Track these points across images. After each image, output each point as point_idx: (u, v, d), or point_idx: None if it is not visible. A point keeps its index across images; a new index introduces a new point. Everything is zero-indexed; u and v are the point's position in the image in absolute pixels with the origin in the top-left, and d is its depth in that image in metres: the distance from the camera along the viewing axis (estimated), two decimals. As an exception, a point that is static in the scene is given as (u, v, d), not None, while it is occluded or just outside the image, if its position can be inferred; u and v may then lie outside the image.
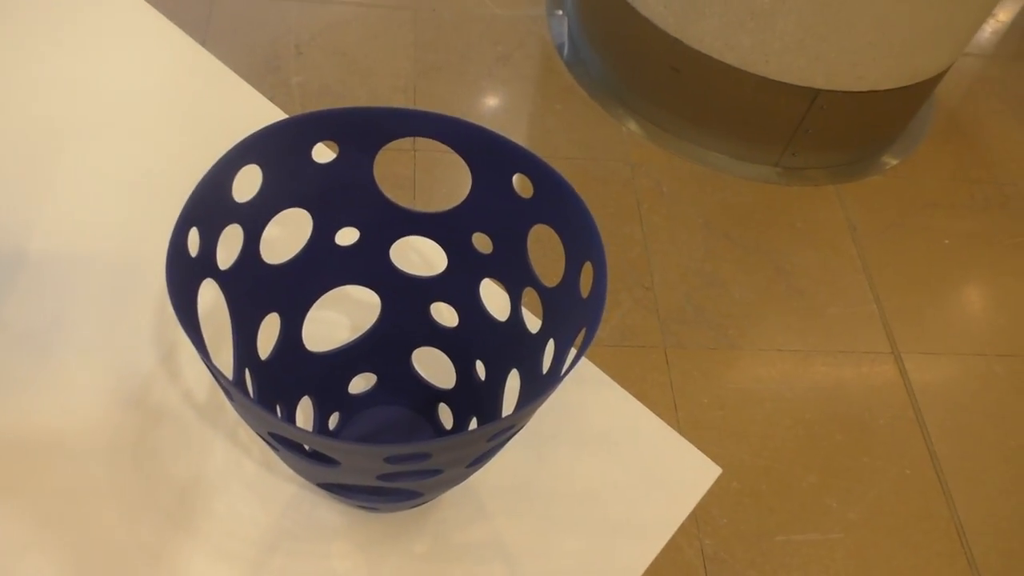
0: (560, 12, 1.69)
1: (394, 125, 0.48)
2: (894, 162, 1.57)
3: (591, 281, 0.43)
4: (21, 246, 0.60)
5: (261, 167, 0.46)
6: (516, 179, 0.49)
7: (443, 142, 0.48)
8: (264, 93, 1.46)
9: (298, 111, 1.43)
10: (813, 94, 1.36)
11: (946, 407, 1.22)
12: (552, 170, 0.45)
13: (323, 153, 0.48)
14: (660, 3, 1.37)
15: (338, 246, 0.54)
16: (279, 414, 0.51)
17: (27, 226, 0.61)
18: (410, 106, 1.48)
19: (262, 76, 1.48)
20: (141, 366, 0.57)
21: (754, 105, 1.40)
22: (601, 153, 1.46)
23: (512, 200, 0.49)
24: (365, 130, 0.47)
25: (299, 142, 0.46)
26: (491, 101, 1.52)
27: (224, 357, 0.58)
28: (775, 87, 1.36)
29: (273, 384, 0.52)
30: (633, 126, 1.52)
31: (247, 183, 0.48)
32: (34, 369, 0.56)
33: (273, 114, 0.68)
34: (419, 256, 0.62)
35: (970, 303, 1.37)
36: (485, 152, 0.48)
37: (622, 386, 0.61)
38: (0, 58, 0.66)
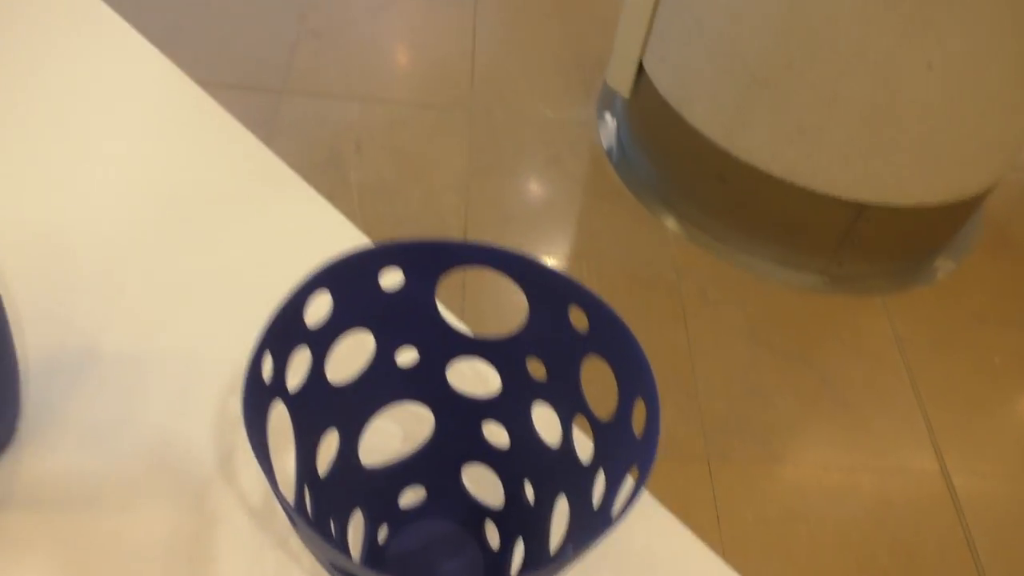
0: (609, 116, 1.74)
1: (458, 256, 0.50)
2: (942, 274, 1.56)
3: (644, 420, 0.44)
4: (92, 345, 0.63)
5: (332, 293, 0.49)
6: (572, 312, 0.50)
7: (504, 273, 0.50)
8: (324, 187, 1.52)
9: (355, 208, 1.49)
10: (859, 207, 1.38)
11: (997, 530, 1.18)
12: (607, 307, 0.47)
13: (389, 277, 0.51)
14: (708, 114, 1.40)
15: (397, 365, 0.56)
16: (333, 529, 0.52)
17: (99, 325, 0.64)
18: (468, 233, 1.52)
19: (323, 171, 1.54)
20: (200, 468, 0.59)
21: (800, 215, 1.42)
22: (647, 256, 1.48)
23: (567, 331, 0.51)
24: (430, 259, 0.50)
25: (368, 269, 0.49)
26: (541, 202, 1.56)
27: (282, 470, 0.59)
28: (821, 199, 1.37)
29: (328, 499, 0.53)
30: (679, 231, 1.54)
31: (317, 306, 0.51)
32: (97, 467, 0.58)
33: (332, 217, 0.71)
34: (475, 376, 0.64)
35: (1021, 422, 1.34)
36: (543, 285, 0.49)
37: (664, 499, 0.61)
38: (72, 162, 0.70)
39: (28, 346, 0.61)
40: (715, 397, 1.27)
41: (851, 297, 1.48)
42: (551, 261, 1.46)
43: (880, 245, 1.46)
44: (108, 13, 0.80)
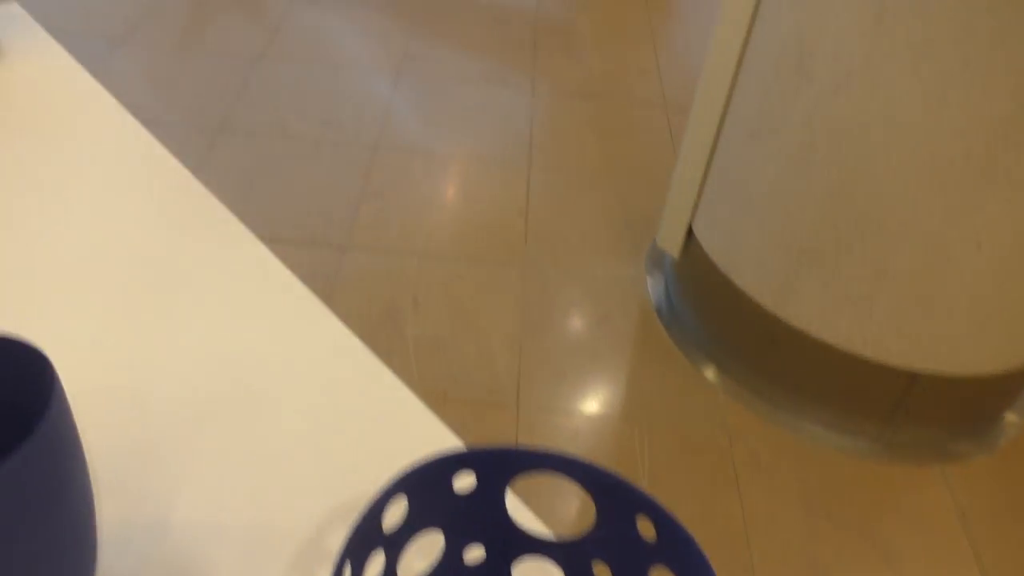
0: (659, 275, 1.78)
1: (531, 462, 0.52)
2: (1001, 443, 1.53)
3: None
4: (163, 516, 0.64)
5: (408, 497, 0.51)
6: (640, 521, 0.52)
7: (574, 480, 0.52)
8: (381, 342, 1.57)
9: (411, 363, 1.53)
10: (913, 375, 1.37)
11: None
12: (675, 522, 0.48)
13: (462, 479, 0.53)
14: (757, 280, 1.44)
15: (464, 563, 0.57)
16: None
17: (170, 494, 0.66)
18: (520, 391, 1.55)
19: (380, 326, 1.59)
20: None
21: (853, 382, 1.42)
22: (698, 419, 1.48)
23: (634, 539, 0.52)
24: (503, 465, 0.52)
25: (443, 475, 0.51)
26: (592, 360, 1.58)
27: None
28: (874, 367, 1.37)
29: None
30: (730, 393, 1.55)
31: (392, 510, 0.52)
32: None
33: (387, 380, 0.74)
34: (540, 575, 0.64)
35: (1100, 609, 1.27)
36: (611, 494, 0.51)
37: None
38: (144, 326, 0.75)
39: (103, 515, 0.63)
40: (772, 572, 1.23)
41: (909, 465, 1.45)
42: (602, 423, 1.47)
43: (936, 413, 1.44)
44: (175, 166, 0.86)
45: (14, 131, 0.85)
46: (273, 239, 1.76)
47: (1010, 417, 1.57)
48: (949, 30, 1.05)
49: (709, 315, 1.60)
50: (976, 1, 1.02)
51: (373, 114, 2.16)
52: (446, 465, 0.51)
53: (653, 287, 1.76)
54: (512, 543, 0.55)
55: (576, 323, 1.65)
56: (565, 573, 0.55)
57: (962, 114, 1.09)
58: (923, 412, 1.44)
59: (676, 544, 0.48)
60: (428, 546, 0.58)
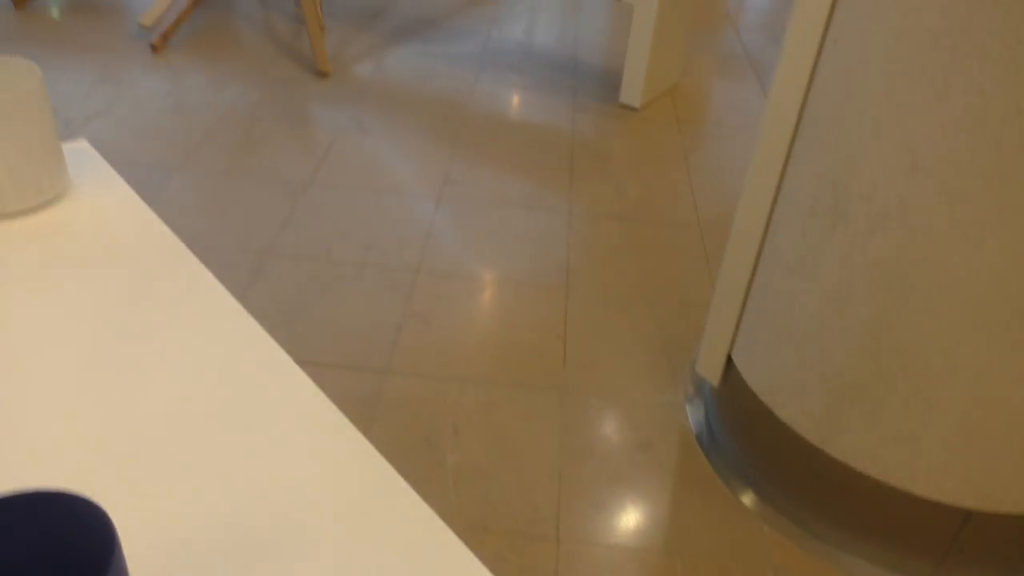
0: (699, 401, 1.78)
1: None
2: (1064, 584, 1.46)
3: None
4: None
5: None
6: None
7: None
8: (421, 469, 1.57)
9: (450, 493, 1.52)
10: (966, 513, 1.33)
11: None
12: None
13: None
14: (799, 412, 1.42)
15: None
16: None
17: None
18: (559, 521, 1.54)
19: (420, 453, 1.60)
20: None
21: (904, 519, 1.38)
22: (742, 552, 1.44)
23: None
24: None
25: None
26: (632, 490, 1.56)
27: None
28: (924, 504, 1.34)
29: None
30: (774, 524, 1.51)
31: None
32: None
33: (425, 515, 0.74)
34: None
35: None
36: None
37: None
38: (181, 468, 0.76)
39: None
40: None
41: (966, 607, 1.39)
42: (644, 555, 1.44)
43: (992, 552, 1.39)
44: (221, 293, 0.88)
45: (73, 264, 0.89)
46: (315, 363, 1.79)
47: (1070, 556, 1.51)
48: (982, 176, 1.08)
49: (751, 444, 1.58)
50: (1008, 150, 1.05)
51: (415, 238, 2.23)
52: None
53: (693, 414, 1.75)
54: None
55: (616, 450, 1.64)
56: None
57: (1000, 258, 1.10)
58: (980, 549, 1.39)
59: None
60: None
